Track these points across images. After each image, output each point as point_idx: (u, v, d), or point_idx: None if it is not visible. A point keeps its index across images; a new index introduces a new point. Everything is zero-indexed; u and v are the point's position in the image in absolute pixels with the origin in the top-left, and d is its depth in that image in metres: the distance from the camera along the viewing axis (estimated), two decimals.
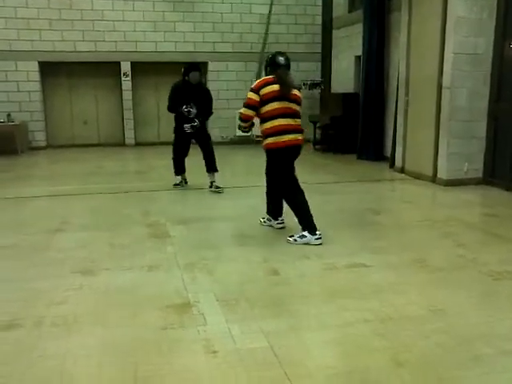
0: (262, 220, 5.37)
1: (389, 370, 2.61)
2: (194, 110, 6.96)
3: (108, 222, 5.71)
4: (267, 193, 5.23)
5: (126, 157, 11.60)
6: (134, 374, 2.59)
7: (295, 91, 4.83)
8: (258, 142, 12.43)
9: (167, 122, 12.35)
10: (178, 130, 7.15)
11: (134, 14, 12.40)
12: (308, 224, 4.74)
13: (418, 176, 7.97)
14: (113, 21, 12.33)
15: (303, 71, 13.19)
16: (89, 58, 12.28)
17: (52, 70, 12.46)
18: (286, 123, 4.69)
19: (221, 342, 2.91)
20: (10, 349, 2.87)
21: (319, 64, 13.13)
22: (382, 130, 9.97)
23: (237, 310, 3.34)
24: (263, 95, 4.69)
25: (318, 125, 11.93)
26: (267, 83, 4.73)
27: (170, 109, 7.14)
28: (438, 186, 7.40)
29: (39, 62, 12.16)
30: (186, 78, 6.97)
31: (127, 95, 12.81)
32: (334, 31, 12.35)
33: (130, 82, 12.73)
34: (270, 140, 4.74)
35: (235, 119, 12.99)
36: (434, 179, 7.59)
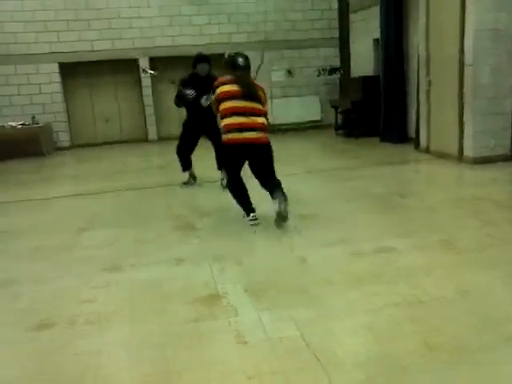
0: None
1: (421, 354, 2.59)
2: (192, 92, 6.54)
3: (133, 218, 5.76)
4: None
5: (149, 152, 11.67)
6: (166, 368, 2.61)
7: (259, 92, 4.99)
8: (280, 131, 12.47)
9: None
10: (189, 123, 6.91)
11: (150, 10, 12.43)
12: (244, 208, 5.10)
13: (443, 156, 7.83)
14: (129, 18, 12.38)
15: (322, 57, 13.10)
16: (107, 56, 12.37)
17: (72, 71, 12.59)
18: (238, 122, 4.81)
19: (251, 332, 2.92)
20: (45, 347, 2.93)
21: (337, 49, 12.98)
22: (404, 111, 9.83)
23: (266, 299, 3.34)
24: (219, 94, 4.94)
25: (339, 110, 11.82)
26: (223, 84, 4.96)
27: (176, 102, 6.85)
28: (464, 165, 7.27)
29: (59, 64, 12.29)
30: (195, 70, 6.70)
31: (147, 91, 12.88)
32: (350, 15, 12.17)
33: (150, 78, 12.79)
34: (226, 136, 4.92)
35: None
36: (460, 158, 7.46)
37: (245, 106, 4.83)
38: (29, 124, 11.75)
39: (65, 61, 12.29)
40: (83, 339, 2.98)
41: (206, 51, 12.23)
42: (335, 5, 12.84)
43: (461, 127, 7.42)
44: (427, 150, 8.33)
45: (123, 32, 12.40)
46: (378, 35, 10.29)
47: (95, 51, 12.32)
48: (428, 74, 8.18)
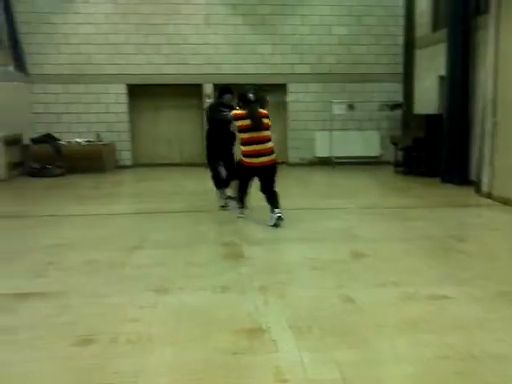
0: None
1: None
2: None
3: (185, 240, 5.82)
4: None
5: (206, 176, 11.75)
6: None
7: (265, 120, 6.38)
8: (338, 164, 12.40)
9: None
10: (212, 151, 7.59)
11: (217, 37, 12.73)
12: (240, 202, 6.90)
13: (506, 202, 7.51)
14: (196, 44, 12.72)
15: (384, 92, 12.97)
16: (173, 80, 12.72)
17: (138, 92, 13.02)
18: (253, 149, 6.30)
19: (291, 370, 2.84)
20: (86, 364, 2.95)
21: (401, 85, 12.84)
22: (467, 152, 9.54)
23: (309, 337, 3.26)
24: (238, 126, 6.38)
25: (399, 146, 11.62)
26: (240, 118, 6.36)
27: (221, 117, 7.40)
28: None
29: (127, 85, 12.76)
30: (220, 99, 7.48)
31: None
32: (416, 51, 12.05)
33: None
34: (245, 159, 6.40)
35: (314, 141, 12.98)
36: None
37: (257, 136, 6.30)
38: (94, 141, 12.20)
39: (133, 82, 12.74)
40: (124, 358, 2.99)
41: (268, 80, 12.57)
42: (400, 40, 12.76)
43: None
44: (489, 195, 8.01)
45: (189, 58, 12.74)
46: (443, 72, 10.11)
47: (162, 75, 12.69)
48: (494, 114, 7.93)
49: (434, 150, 10.29)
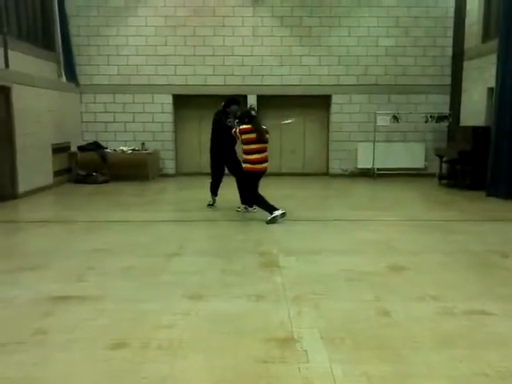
0: (239, 209, 8.03)
1: None
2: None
3: (223, 248, 5.87)
4: (242, 190, 8.04)
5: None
6: None
7: (266, 135, 7.44)
8: (379, 176, 12.24)
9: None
10: (216, 158, 8.69)
11: (262, 48, 12.83)
12: (270, 210, 7.20)
13: None
14: (242, 56, 12.85)
15: (430, 103, 12.75)
16: (218, 91, 12.84)
17: (184, 103, 13.24)
18: (259, 157, 7.33)
19: (321, 382, 2.81)
20: (117, 368, 3.00)
21: (447, 96, 12.60)
22: None
23: (341, 349, 3.21)
24: (243, 139, 7.33)
25: (444, 159, 11.38)
26: (246, 132, 7.30)
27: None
28: None
29: (173, 95, 13.01)
30: (227, 109, 8.28)
31: None
32: (464, 62, 11.81)
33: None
34: (248, 165, 7.38)
35: (356, 151, 12.87)
36: None
37: (261, 147, 7.34)
38: (138, 150, 12.47)
39: (179, 93, 12.97)
40: (154, 364, 3.03)
41: (313, 92, 12.59)
42: (448, 51, 12.54)
43: None
44: None
45: (235, 69, 12.89)
46: (492, 84, 9.85)
47: (207, 85, 12.88)
48: None
49: (479, 163, 10.03)
